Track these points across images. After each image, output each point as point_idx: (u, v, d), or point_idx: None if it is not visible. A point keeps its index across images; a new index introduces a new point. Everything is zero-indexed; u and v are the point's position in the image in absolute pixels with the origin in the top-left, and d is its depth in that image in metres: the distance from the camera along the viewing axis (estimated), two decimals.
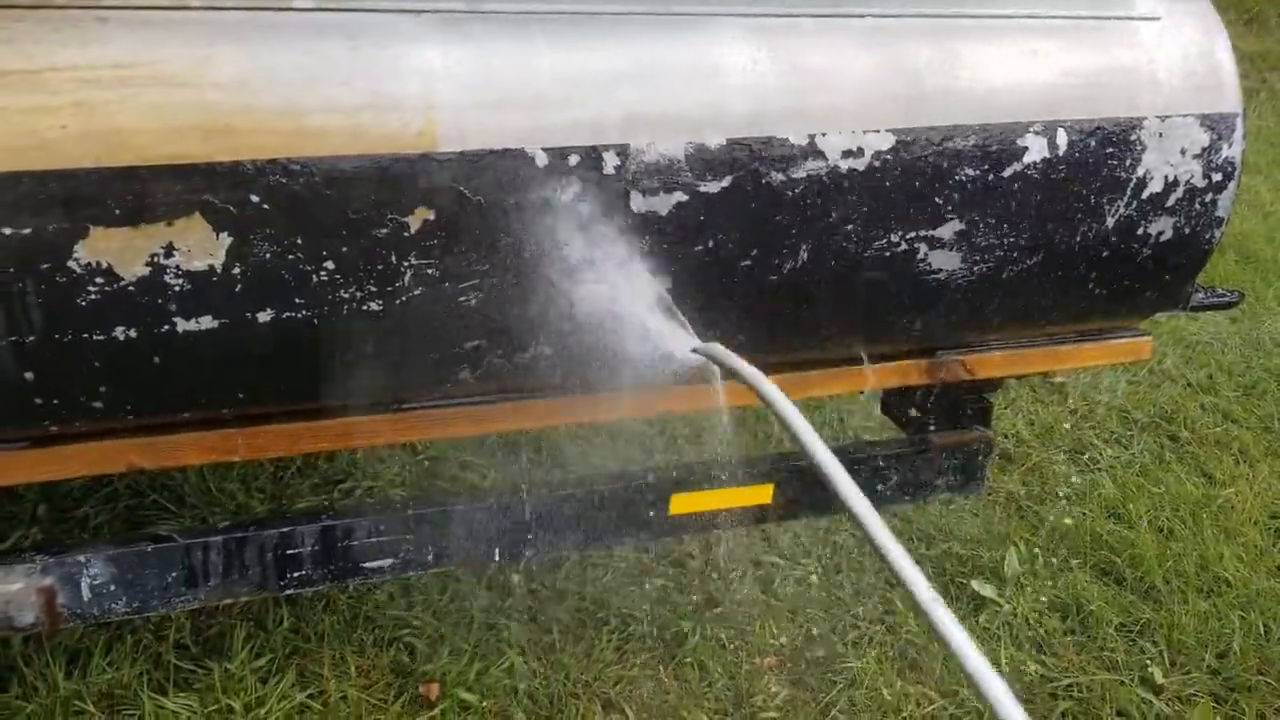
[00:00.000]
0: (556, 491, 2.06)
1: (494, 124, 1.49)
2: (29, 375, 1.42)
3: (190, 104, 1.36)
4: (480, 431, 1.90)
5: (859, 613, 2.97)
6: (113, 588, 1.83)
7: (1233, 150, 1.91)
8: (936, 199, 1.74)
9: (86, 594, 1.82)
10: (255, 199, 1.39)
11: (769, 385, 1.44)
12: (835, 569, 3.15)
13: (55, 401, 1.47)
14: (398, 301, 1.52)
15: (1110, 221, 1.87)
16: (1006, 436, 3.93)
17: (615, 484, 2.10)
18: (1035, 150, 1.77)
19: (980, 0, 1.77)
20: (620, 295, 1.60)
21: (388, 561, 1.97)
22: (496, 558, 2.05)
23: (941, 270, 1.81)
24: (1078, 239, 1.86)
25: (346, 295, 1.49)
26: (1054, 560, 3.23)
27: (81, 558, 1.80)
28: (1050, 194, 1.80)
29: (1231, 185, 1.94)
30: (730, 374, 1.53)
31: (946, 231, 1.77)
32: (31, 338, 1.38)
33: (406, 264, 1.49)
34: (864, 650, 2.84)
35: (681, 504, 2.15)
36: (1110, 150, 1.82)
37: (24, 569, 1.78)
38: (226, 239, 1.40)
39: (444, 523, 1.98)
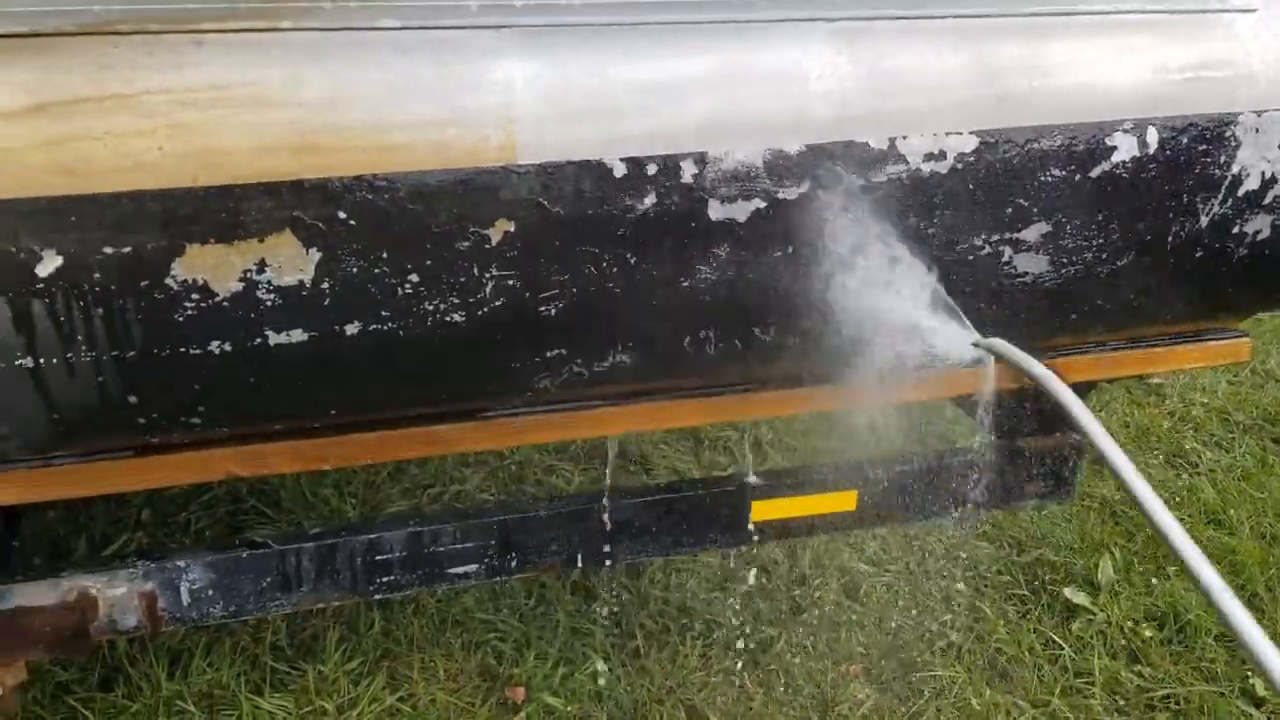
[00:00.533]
0: (637, 498, 2.07)
1: (571, 136, 1.50)
2: (131, 389, 1.48)
3: (280, 123, 1.40)
4: (562, 438, 1.92)
5: (947, 620, 2.93)
6: (210, 592, 1.89)
7: None
8: (1021, 201, 1.71)
9: (186, 598, 1.88)
10: (343, 215, 1.43)
11: (1059, 383, 1.46)
12: (924, 575, 3.11)
13: (155, 415, 1.52)
14: (480, 312, 1.54)
15: (1204, 221, 1.82)
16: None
17: (695, 490, 2.10)
18: (1125, 149, 1.73)
19: None
20: (887, 291, 1.66)
21: (473, 567, 2.01)
22: (579, 564, 2.07)
23: (1027, 273, 1.78)
24: (1170, 239, 1.81)
25: (430, 307, 1.52)
26: (1150, 567, 3.15)
27: (181, 564, 1.87)
28: (1141, 194, 1.76)
29: None
30: (1016, 369, 1.57)
31: (1032, 234, 1.74)
32: (132, 353, 1.44)
33: (488, 275, 1.52)
34: (952, 659, 2.80)
35: (763, 511, 2.14)
36: (1204, 147, 1.77)
37: (127, 574, 1.85)
38: (316, 254, 1.44)
39: (527, 529, 2.01)
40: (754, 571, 3.07)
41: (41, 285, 1.36)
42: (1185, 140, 1.75)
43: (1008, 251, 1.74)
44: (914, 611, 2.97)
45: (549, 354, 1.64)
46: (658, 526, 2.10)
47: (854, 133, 1.61)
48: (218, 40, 1.40)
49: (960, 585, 3.07)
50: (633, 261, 1.58)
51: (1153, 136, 1.74)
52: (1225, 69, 1.78)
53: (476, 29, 1.49)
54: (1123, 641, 2.88)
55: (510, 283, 1.54)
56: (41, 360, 1.42)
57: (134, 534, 2.96)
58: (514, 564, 2.03)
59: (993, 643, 2.85)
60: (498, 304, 1.55)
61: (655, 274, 1.60)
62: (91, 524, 2.96)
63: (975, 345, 1.67)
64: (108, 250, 1.36)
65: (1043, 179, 1.70)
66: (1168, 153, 1.75)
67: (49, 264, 1.35)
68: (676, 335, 1.69)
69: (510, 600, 2.85)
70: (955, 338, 1.69)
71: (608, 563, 2.08)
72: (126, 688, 2.48)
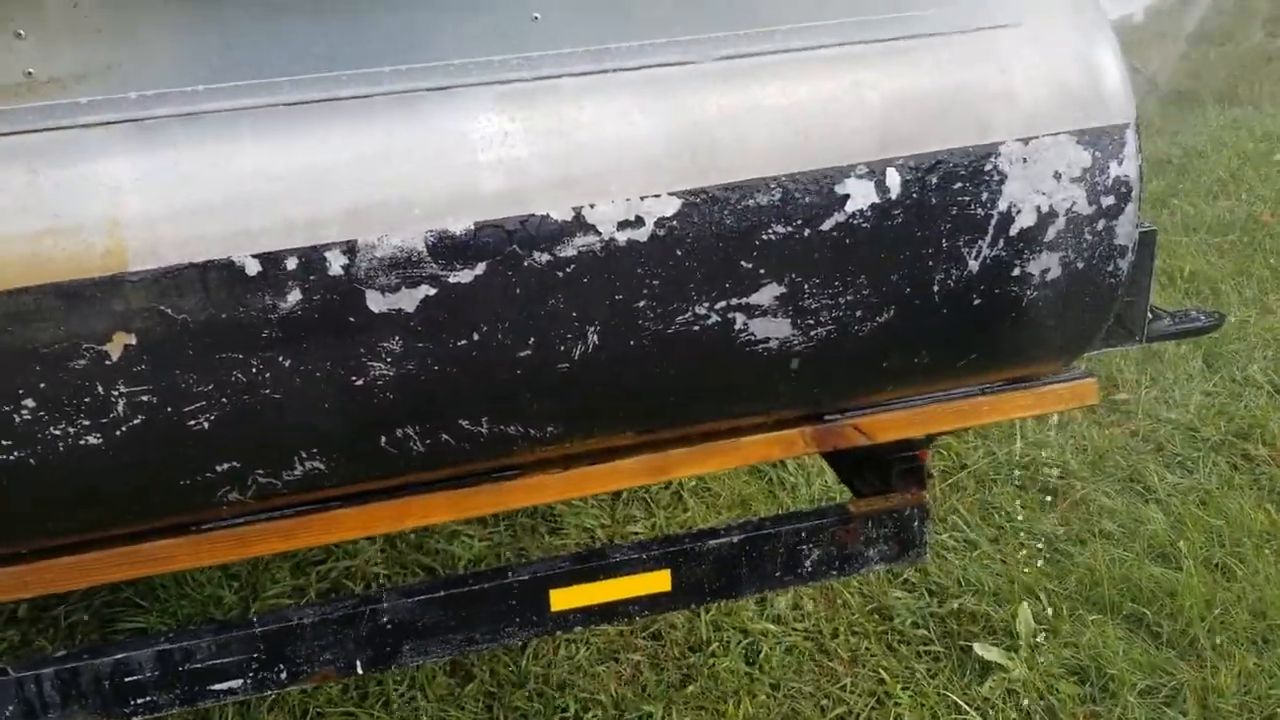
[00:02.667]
0: (415, 596, 1.91)
1: (192, 235, 1.37)
2: None
3: None
4: (293, 547, 1.78)
5: (848, 684, 2.72)
6: None
7: (1125, 168, 1.64)
8: (743, 263, 1.53)
9: None
10: None
11: None
12: (832, 634, 2.90)
13: None
14: (118, 432, 1.41)
15: (974, 265, 1.62)
16: (1052, 467, 3.59)
17: (483, 584, 1.94)
18: (860, 196, 1.54)
19: (786, 34, 1.56)
20: None
21: (237, 683, 1.87)
22: (360, 670, 1.93)
23: (771, 339, 1.60)
24: (936, 289, 1.62)
25: (58, 431, 1.39)
26: (1079, 613, 2.90)
27: None
28: (887, 243, 1.57)
29: (1129, 207, 1.66)
30: None
31: (764, 297, 1.56)
32: None
33: (116, 393, 1.39)
34: None
35: (563, 599, 1.98)
36: (958, 185, 1.57)
37: None
38: None
39: (291, 638, 1.87)
40: (649, 639, 2.89)
41: None
42: (934, 179, 1.56)
43: (740, 318, 1.57)
44: (814, 676, 2.77)
45: (220, 468, 1.50)
46: (445, 623, 1.94)
47: (531, 205, 1.45)
48: None
49: (869, 643, 2.86)
50: (287, 364, 1.43)
51: (894, 179, 1.55)
52: (979, 94, 1.59)
53: (81, 129, 1.37)
54: (1038, 701, 2.64)
55: (145, 399, 1.40)
56: None
57: (5, 631, 2.88)
58: (284, 676, 1.89)
59: (893, 708, 2.64)
60: (136, 422, 1.41)
61: (318, 375, 1.45)
62: None
63: None
64: None
65: (765, 237, 1.52)
66: (914, 195, 1.56)
67: None
68: (369, 435, 1.54)
69: (380, 688, 2.71)
70: None
71: (393, 665, 1.94)
72: None
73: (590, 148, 1.48)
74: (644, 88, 1.50)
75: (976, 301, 1.65)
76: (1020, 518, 3.34)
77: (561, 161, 1.47)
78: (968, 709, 2.62)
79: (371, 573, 3.14)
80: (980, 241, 1.61)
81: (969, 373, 1.81)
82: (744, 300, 1.55)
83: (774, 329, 1.59)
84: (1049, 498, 3.45)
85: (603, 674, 2.77)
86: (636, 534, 3.34)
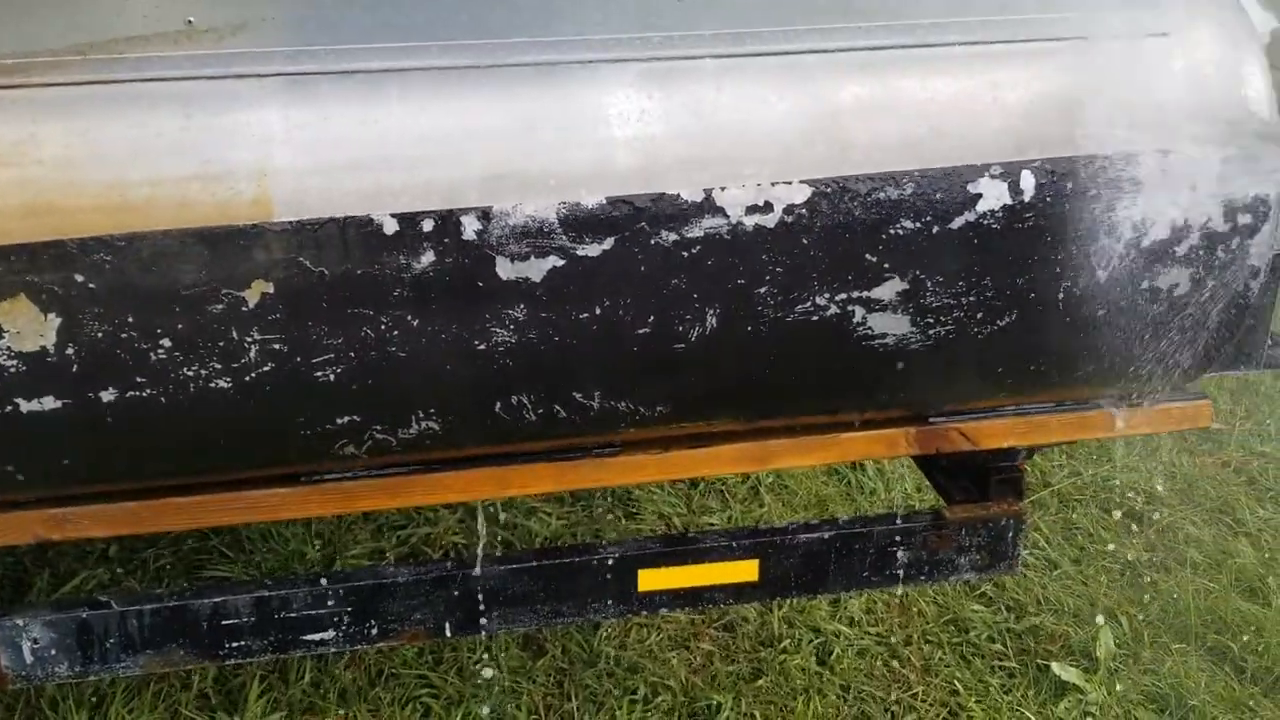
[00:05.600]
0: (508, 565, 1.94)
1: (336, 190, 1.39)
2: None
3: (12, 183, 1.34)
4: (395, 505, 1.81)
5: (919, 693, 2.70)
6: (53, 652, 1.84)
7: (1264, 185, 1.60)
8: (868, 256, 1.52)
9: (29, 657, 1.84)
10: (80, 278, 1.35)
11: None
12: (905, 640, 2.88)
13: None
14: (247, 378, 1.45)
15: (1102, 275, 1.60)
16: (1137, 493, 3.53)
17: (573, 557, 1.96)
18: (992, 197, 1.53)
19: (929, 28, 1.55)
20: None
21: (329, 634, 1.91)
22: (448, 633, 1.95)
23: (888, 335, 1.59)
24: (1061, 297, 1.60)
25: (190, 373, 1.43)
26: (1161, 640, 2.84)
27: (20, 622, 1.82)
28: (1016, 246, 1.55)
29: (1266, 227, 1.62)
30: None
31: (886, 292, 1.55)
32: None
33: (249, 339, 1.42)
34: None
35: (651, 580, 1.99)
36: (1093, 192, 1.55)
37: None
38: (55, 319, 1.36)
39: (385, 596, 1.90)
40: (721, 629, 2.90)
41: None
42: (1069, 185, 1.54)
43: (859, 311, 1.56)
44: (885, 681, 2.75)
45: (340, 420, 1.53)
46: (534, 594, 1.96)
47: (663, 184, 1.46)
48: None
49: (943, 653, 2.83)
50: (415, 324, 1.46)
51: (1028, 182, 1.53)
52: (1121, 103, 1.56)
53: (235, 79, 1.40)
54: None
55: (276, 347, 1.44)
56: None
57: (95, 569, 2.97)
58: (374, 632, 1.93)
59: (965, 719, 2.62)
60: (265, 369, 1.45)
61: (444, 337, 1.47)
62: (59, 559, 2.99)
63: None
64: None
65: (893, 232, 1.52)
66: (1048, 200, 1.54)
67: None
68: (484, 401, 1.56)
69: (454, 654, 2.75)
70: None
71: (480, 632, 1.96)
72: None
73: (725, 130, 1.48)
74: (782, 73, 1.50)
75: (1101, 312, 1.63)
76: (1104, 540, 3.29)
77: (696, 142, 1.47)
78: None
79: (449, 541, 3.18)
80: (1111, 251, 1.58)
81: (1084, 385, 1.78)
82: (865, 294, 1.55)
83: (892, 325, 1.58)
84: (1134, 523, 3.40)
85: (673, 660, 2.78)
86: (712, 524, 3.34)
